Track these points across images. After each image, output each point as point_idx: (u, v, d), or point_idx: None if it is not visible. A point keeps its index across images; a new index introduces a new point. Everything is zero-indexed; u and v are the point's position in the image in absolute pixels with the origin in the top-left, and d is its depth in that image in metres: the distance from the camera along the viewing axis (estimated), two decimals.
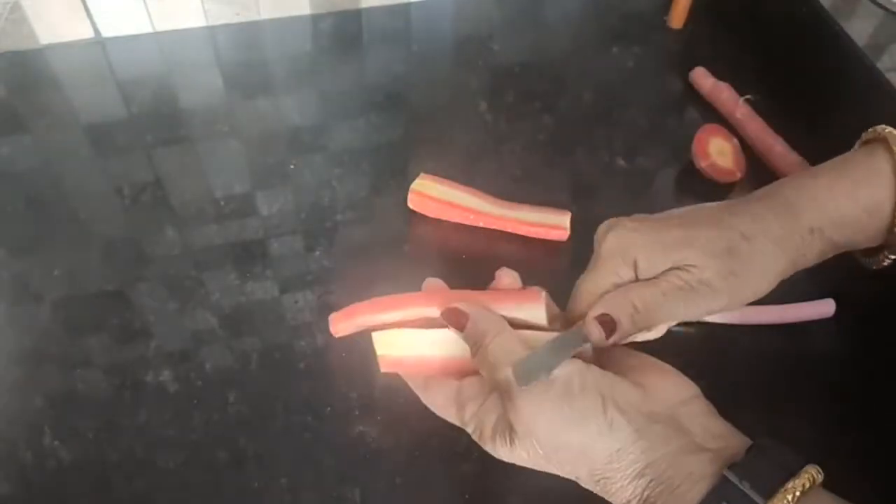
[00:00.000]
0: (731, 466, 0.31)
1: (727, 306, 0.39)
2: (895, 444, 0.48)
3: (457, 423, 0.39)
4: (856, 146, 0.43)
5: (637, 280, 0.39)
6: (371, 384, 0.50)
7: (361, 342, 0.53)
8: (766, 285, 0.40)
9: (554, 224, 0.58)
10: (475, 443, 0.47)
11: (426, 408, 0.48)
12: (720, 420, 0.35)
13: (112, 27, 0.71)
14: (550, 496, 0.38)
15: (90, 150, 0.64)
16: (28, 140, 0.64)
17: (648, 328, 0.39)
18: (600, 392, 0.34)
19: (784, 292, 0.54)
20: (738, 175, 0.61)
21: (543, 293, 0.41)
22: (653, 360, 0.39)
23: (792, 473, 0.31)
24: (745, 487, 0.30)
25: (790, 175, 0.43)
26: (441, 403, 0.40)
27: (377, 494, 0.46)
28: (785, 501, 0.30)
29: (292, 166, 0.63)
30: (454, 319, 0.38)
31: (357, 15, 0.76)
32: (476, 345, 0.37)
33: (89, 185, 0.61)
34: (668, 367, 0.38)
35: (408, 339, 0.40)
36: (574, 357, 0.36)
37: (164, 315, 0.53)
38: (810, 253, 0.41)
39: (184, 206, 0.60)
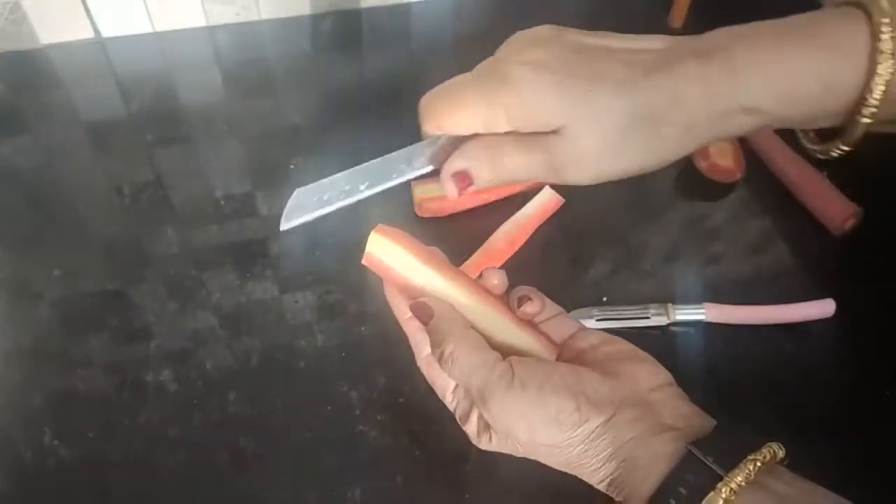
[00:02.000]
0: (696, 442, 0.32)
1: (581, 183, 0.37)
2: (894, 443, 0.48)
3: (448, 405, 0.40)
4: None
5: (505, 118, 0.36)
6: (371, 384, 0.50)
7: (361, 342, 0.53)
8: (642, 171, 0.36)
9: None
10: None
11: (426, 408, 0.48)
12: (689, 404, 0.36)
13: (112, 27, 0.71)
14: (551, 496, 0.38)
15: (90, 150, 0.64)
16: (28, 140, 0.64)
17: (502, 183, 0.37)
18: (571, 390, 0.35)
19: (784, 292, 0.54)
20: (738, 175, 0.61)
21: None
22: (629, 347, 0.39)
23: (753, 448, 0.31)
24: (709, 461, 0.31)
25: (742, 27, 0.37)
26: (440, 387, 0.40)
27: (377, 494, 0.46)
28: (745, 472, 0.30)
29: (292, 166, 0.63)
30: (420, 313, 0.38)
31: (357, 15, 0.76)
32: (436, 353, 0.37)
33: (89, 185, 0.61)
34: (643, 354, 0.38)
35: (402, 260, 0.40)
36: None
37: (164, 315, 0.53)
38: (738, 131, 0.36)
39: (184, 206, 0.60)
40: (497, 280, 0.41)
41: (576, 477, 0.36)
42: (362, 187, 0.37)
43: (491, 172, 0.37)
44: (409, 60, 0.73)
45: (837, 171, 0.59)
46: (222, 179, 0.62)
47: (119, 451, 0.47)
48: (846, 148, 0.36)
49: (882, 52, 0.32)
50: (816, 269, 0.58)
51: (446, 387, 0.40)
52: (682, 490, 0.31)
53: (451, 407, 0.40)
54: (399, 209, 0.59)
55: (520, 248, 0.57)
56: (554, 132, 0.35)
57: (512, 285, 0.45)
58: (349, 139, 0.65)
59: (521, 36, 0.38)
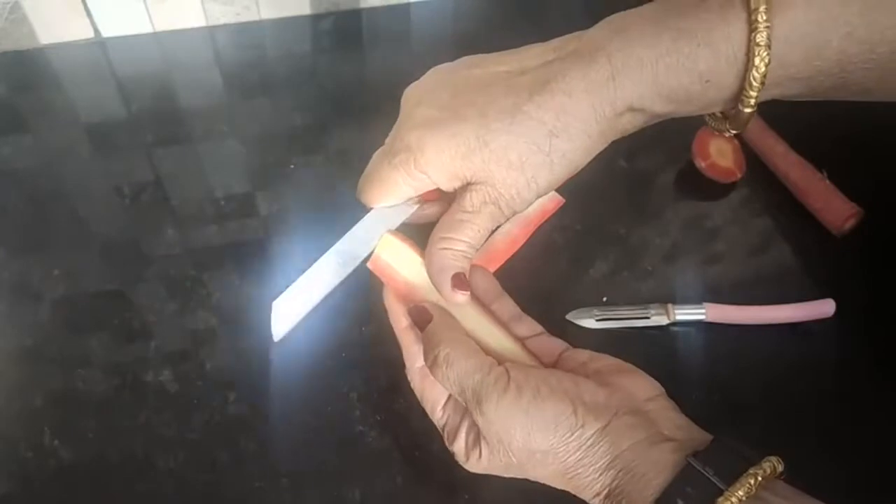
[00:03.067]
0: (695, 454, 0.32)
1: (529, 205, 0.38)
2: (895, 444, 0.48)
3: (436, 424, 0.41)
4: None
5: (430, 181, 0.38)
6: (371, 384, 0.50)
7: (361, 342, 0.53)
8: (570, 175, 0.38)
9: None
10: None
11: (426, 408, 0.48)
12: (683, 416, 0.36)
13: (112, 27, 0.71)
14: (551, 498, 0.38)
15: (90, 150, 0.64)
16: (28, 140, 0.64)
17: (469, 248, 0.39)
18: (568, 394, 0.35)
19: (784, 292, 0.54)
20: (738, 175, 0.61)
21: None
22: (618, 362, 0.39)
23: (753, 462, 0.31)
24: (709, 473, 0.31)
25: (626, 17, 0.36)
26: (429, 404, 0.41)
27: (377, 494, 0.46)
28: (747, 486, 0.30)
29: (292, 166, 0.63)
30: (418, 317, 0.39)
31: (357, 15, 0.76)
32: (429, 359, 0.37)
33: (89, 185, 0.61)
34: (632, 367, 0.38)
35: (411, 262, 0.40)
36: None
37: (164, 315, 0.53)
38: (627, 129, 0.37)
39: (184, 206, 0.60)
40: (483, 282, 0.42)
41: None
42: (336, 275, 0.39)
43: (465, 257, 0.38)
44: (409, 60, 0.73)
45: (837, 171, 0.59)
46: (222, 179, 0.62)
47: (119, 451, 0.47)
48: (736, 131, 0.37)
49: (758, 44, 0.32)
50: (816, 269, 0.58)
51: (436, 401, 0.40)
52: (681, 502, 0.31)
53: (439, 423, 0.40)
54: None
55: (520, 248, 0.57)
56: (473, 187, 0.37)
57: (512, 285, 0.45)
58: (349, 139, 0.65)
59: (409, 93, 0.40)
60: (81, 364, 0.51)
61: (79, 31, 0.70)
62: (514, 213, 0.38)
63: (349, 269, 0.39)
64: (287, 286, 0.42)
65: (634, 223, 0.60)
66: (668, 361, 0.52)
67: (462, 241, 0.38)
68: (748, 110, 0.35)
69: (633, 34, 0.35)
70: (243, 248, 0.57)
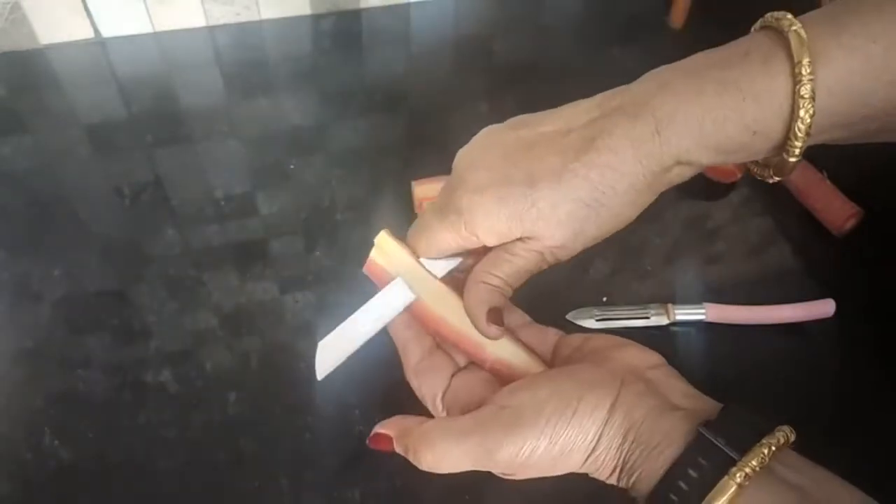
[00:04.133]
0: (706, 424, 0.32)
1: (574, 254, 0.39)
2: (895, 444, 0.48)
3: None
4: (753, 31, 0.38)
5: (479, 241, 0.38)
6: (371, 384, 0.50)
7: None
8: (619, 228, 0.38)
9: None
10: None
11: (426, 408, 0.48)
12: (688, 384, 0.36)
13: (112, 27, 0.71)
14: (552, 497, 0.38)
15: (90, 151, 0.64)
16: (28, 140, 0.64)
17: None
18: (574, 379, 0.35)
19: (784, 292, 0.54)
20: (738, 175, 0.61)
21: None
22: (613, 337, 0.39)
23: (765, 432, 0.31)
24: (721, 443, 0.31)
25: (669, 71, 0.37)
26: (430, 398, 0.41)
27: (377, 494, 0.46)
28: (760, 456, 0.30)
29: (292, 166, 0.63)
30: (378, 444, 0.40)
31: (357, 15, 0.76)
32: (414, 459, 0.38)
33: (89, 185, 0.61)
34: (627, 340, 0.38)
35: (405, 264, 0.41)
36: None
37: (164, 315, 0.53)
38: (674, 181, 0.37)
39: (184, 206, 0.60)
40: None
41: (579, 479, 0.35)
42: (378, 321, 0.40)
43: (502, 294, 0.39)
44: (409, 60, 0.73)
45: (837, 171, 0.59)
46: (222, 179, 0.62)
47: (119, 451, 0.47)
48: (779, 178, 0.37)
49: (803, 96, 0.32)
50: (816, 269, 0.58)
51: (435, 394, 0.40)
52: (693, 473, 0.30)
53: (441, 415, 0.40)
54: (399, 209, 0.59)
55: None
56: (521, 240, 0.38)
57: None
58: (349, 139, 0.65)
59: (462, 155, 0.40)
60: (81, 364, 0.51)
61: (79, 31, 0.70)
62: (559, 261, 0.39)
63: (392, 315, 0.40)
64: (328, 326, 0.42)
65: (634, 223, 0.60)
66: (668, 361, 0.52)
67: (501, 279, 0.38)
68: (793, 159, 0.35)
69: (677, 88, 0.35)
70: (243, 248, 0.57)
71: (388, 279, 0.41)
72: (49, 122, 0.65)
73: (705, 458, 0.30)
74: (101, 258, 0.57)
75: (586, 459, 0.34)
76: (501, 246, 0.39)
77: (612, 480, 0.34)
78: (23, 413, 0.49)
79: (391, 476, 0.47)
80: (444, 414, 0.40)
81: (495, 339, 0.39)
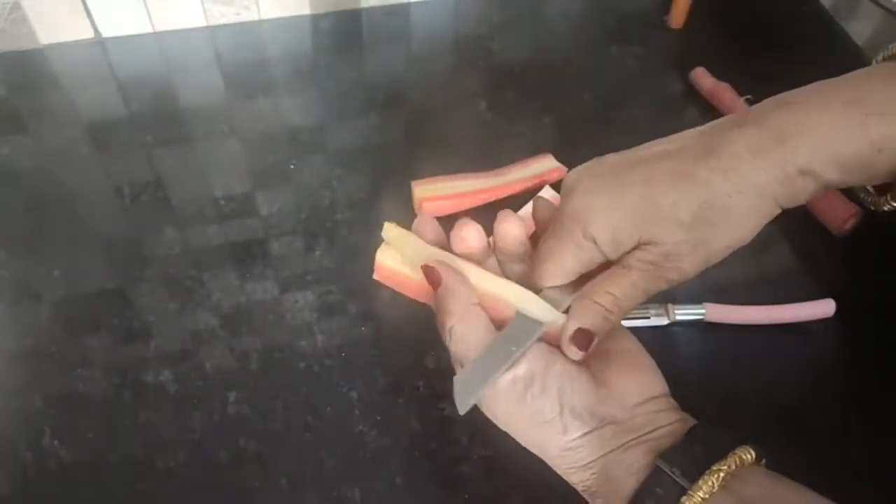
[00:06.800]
0: (664, 454, 0.33)
1: (696, 273, 0.37)
2: (895, 444, 0.48)
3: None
4: (875, 62, 0.37)
5: (598, 250, 0.37)
6: (371, 384, 0.50)
7: (361, 342, 0.53)
8: (742, 242, 0.36)
9: (550, 169, 0.60)
10: (475, 443, 0.48)
11: (426, 408, 0.48)
12: (674, 412, 0.36)
13: (112, 27, 0.71)
14: (552, 497, 0.38)
15: (90, 150, 0.64)
16: (28, 140, 0.64)
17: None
18: (560, 396, 0.35)
19: (784, 292, 0.54)
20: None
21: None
22: (632, 346, 0.38)
23: (722, 455, 0.32)
24: (676, 474, 0.31)
25: (787, 94, 0.36)
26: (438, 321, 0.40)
27: (377, 494, 0.46)
28: (710, 483, 0.31)
29: (292, 166, 0.63)
30: (430, 277, 0.38)
31: (357, 15, 0.76)
32: (440, 315, 0.38)
33: (89, 185, 0.61)
34: (643, 359, 0.38)
35: (414, 254, 0.40)
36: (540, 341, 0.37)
37: (164, 315, 0.53)
38: (799, 196, 0.36)
39: (184, 206, 0.60)
40: (475, 234, 0.40)
41: None
42: (512, 351, 0.37)
43: (606, 318, 0.37)
44: (409, 60, 0.73)
45: None
46: (222, 179, 0.62)
47: (119, 451, 0.47)
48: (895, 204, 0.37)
49: None
50: (816, 269, 0.58)
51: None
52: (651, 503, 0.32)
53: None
54: (399, 209, 0.59)
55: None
56: (639, 248, 0.36)
57: None
58: (349, 139, 0.65)
59: (569, 177, 0.39)
60: (81, 364, 0.51)
61: (79, 31, 0.70)
62: (674, 282, 0.37)
63: (526, 345, 0.37)
64: None
65: None
66: (668, 361, 0.52)
67: (612, 296, 0.36)
68: None
69: (800, 106, 0.35)
70: (243, 248, 0.57)
71: (400, 279, 0.41)
72: (49, 121, 0.65)
73: (662, 488, 0.32)
74: (101, 258, 0.57)
75: (549, 460, 0.36)
76: (618, 261, 0.37)
77: (580, 491, 0.36)
78: (23, 413, 0.49)
79: (391, 476, 0.47)
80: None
81: (573, 358, 0.36)
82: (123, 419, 0.49)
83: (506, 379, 0.35)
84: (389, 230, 0.40)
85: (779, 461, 0.33)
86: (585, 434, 0.35)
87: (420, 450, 0.48)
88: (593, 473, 0.34)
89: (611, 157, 0.38)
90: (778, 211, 0.36)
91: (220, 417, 0.49)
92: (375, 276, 0.41)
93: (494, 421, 0.37)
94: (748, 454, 0.32)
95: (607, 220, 0.36)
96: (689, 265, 0.36)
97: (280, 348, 0.52)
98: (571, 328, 0.36)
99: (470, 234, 0.40)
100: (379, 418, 0.49)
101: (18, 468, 0.46)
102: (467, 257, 0.40)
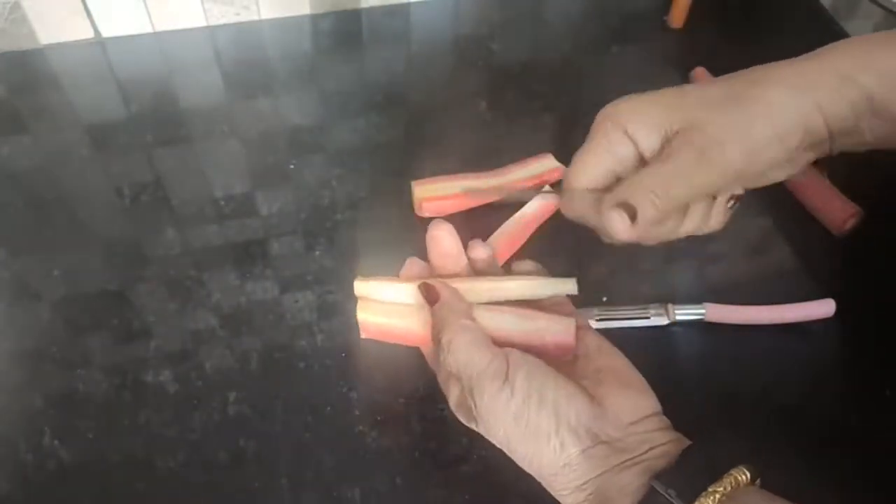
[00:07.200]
0: (658, 475, 0.32)
1: (746, 165, 0.36)
2: (894, 444, 0.48)
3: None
4: None
5: (638, 155, 0.37)
6: (371, 384, 0.50)
7: (361, 342, 0.53)
8: (787, 136, 0.35)
9: (550, 169, 0.60)
10: (475, 443, 0.47)
11: (426, 408, 0.48)
12: (668, 432, 0.36)
13: (112, 27, 0.71)
14: (551, 497, 0.38)
15: (90, 151, 0.64)
16: (28, 140, 0.64)
17: (670, 212, 0.37)
18: (556, 411, 0.35)
19: (784, 292, 0.54)
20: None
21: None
22: (622, 365, 0.38)
23: (718, 476, 0.31)
24: (671, 496, 0.31)
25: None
26: (430, 358, 0.42)
27: (377, 494, 0.46)
28: None
29: (292, 166, 0.63)
30: (428, 294, 0.39)
31: (357, 15, 0.76)
32: (437, 331, 0.38)
33: (89, 185, 0.61)
34: (634, 378, 0.38)
35: (395, 304, 0.41)
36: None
37: (164, 315, 0.53)
38: (841, 101, 0.35)
39: (184, 206, 0.60)
40: (482, 252, 0.42)
41: None
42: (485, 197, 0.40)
43: (652, 205, 0.36)
44: (409, 60, 0.73)
45: (837, 171, 0.59)
46: (222, 179, 0.62)
47: (119, 451, 0.47)
48: None
49: None
50: (816, 269, 0.58)
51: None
52: None
53: (440, 377, 0.40)
54: (399, 209, 0.59)
55: (520, 248, 0.57)
56: (679, 133, 0.36)
57: None
58: (349, 139, 0.65)
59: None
60: (81, 364, 0.51)
61: (79, 31, 0.70)
62: (720, 175, 0.36)
63: (499, 197, 0.39)
64: None
65: None
66: (668, 361, 0.52)
67: (659, 177, 0.36)
68: None
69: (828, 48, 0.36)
70: (243, 248, 0.57)
71: (388, 329, 0.41)
72: (49, 122, 0.65)
73: None
74: (101, 258, 0.57)
75: (542, 478, 0.36)
76: (657, 156, 0.36)
77: None
78: (23, 413, 0.49)
79: (391, 476, 0.47)
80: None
81: (617, 227, 0.36)
82: (123, 419, 0.49)
83: (505, 392, 0.35)
84: (360, 287, 0.41)
85: (779, 461, 0.33)
86: (581, 452, 0.34)
87: (420, 450, 0.48)
88: (589, 494, 0.34)
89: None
90: (820, 121, 0.35)
91: (220, 417, 0.49)
92: (363, 336, 0.41)
93: (494, 440, 0.37)
94: (743, 475, 0.32)
95: (642, 111, 0.36)
96: (732, 152, 0.35)
97: (280, 348, 0.52)
98: (615, 199, 0.36)
99: (441, 234, 0.41)
100: (379, 418, 0.49)
101: (18, 468, 0.46)
102: (443, 260, 0.41)
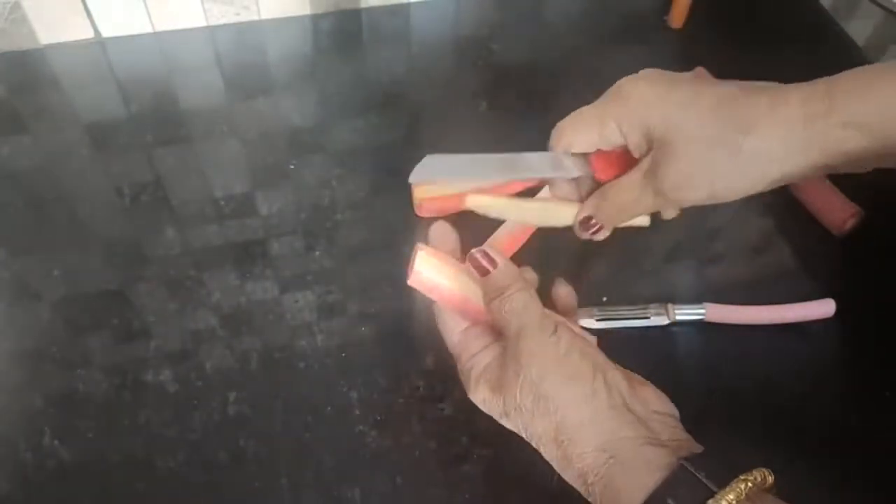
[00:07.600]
0: (688, 458, 0.33)
1: (710, 201, 0.40)
2: (894, 444, 0.48)
3: (454, 353, 0.42)
4: None
5: (625, 145, 0.41)
6: (371, 384, 0.50)
7: (361, 342, 0.53)
8: (769, 184, 0.38)
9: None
10: (475, 443, 0.47)
11: (426, 408, 0.48)
12: (687, 434, 0.37)
13: (112, 27, 0.71)
14: (551, 498, 0.38)
15: (90, 151, 0.64)
16: (28, 140, 0.64)
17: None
18: (595, 364, 0.37)
19: (784, 292, 0.54)
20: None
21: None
22: (641, 379, 0.40)
23: (744, 471, 0.32)
24: (701, 476, 0.32)
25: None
26: (449, 329, 0.42)
27: (377, 494, 0.46)
28: (737, 491, 0.31)
29: (292, 166, 0.63)
30: (480, 265, 0.40)
31: (357, 15, 0.76)
32: (494, 293, 0.39)
33: (89, 185, 0.61)
34: (655, 388, 0.40)
35: (453, 274, 0.42)
36: None
37: (164, 315, 0.53)
38: (843, 146, 0.36)
39: (184, 206, 0.60)
40: (564, 292, 0.46)
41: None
42: (485, 173, 0.43)
43: (609, 218, 0.44)
44: (409, 60, 0.73)
45: None
46: (222, 179, 0.62)
47: (119, 451, 0.47)
48: None
49: None
50: (816, 269, 0.58)
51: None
52: (672, 503, 0.32)
53: (466, 355, 0.41)
54: (399, 209, 0.59)
55: (520, 248, 0.57)
56: (656, 158, 0.39)
57: None
58: (349, 139, 0.65)
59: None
60: (81, 364, 0.51)
61: (79, 31, 0.70)
62: (678, 205, 0.41)
63: (505, 178, 0.43)
64: None
65: None
66: (668, 361, 0.52)
67: (624, 215, 0.43)
68: None
69: (855, 72, 0.37)
70: (243, 248, 0.57)
71: (438, 288, 0.42)
72: (49, 122, 0.65)
73: (685, 489, 0.32)
74: (101, 258, 0.57)
75: (561, 434, 0.36)
76: (640, 165, 0.41)
77: (580, 485, 0.35)
78: (23, 413, 0.49)
79: (391, 476, 0.47)
80: (455, 347, 0.42)
81: (581, 235, 0.44)
82: (123, 419, 0.49)
83: (552, 338, 0.37)
84: (424, 260, 0.42)
85: (779, 461, 0.33)
86: (611, 407, 0.35)
87: (420, 450, 0.48)
88: (610, 458, 0.34)
89: (667, 76, 0.43)
90: (812, 170, 0.37)
91: (220, 417, 0.49)
92: (410, 283, 0.42)
93: (527, 374, 0.37)
94: (770, 475, 0.32)
95: (640, 105, 0.39)
96: (699, 192, 0.39)
97: (280, 348, 0.52)
98: (584, 214, 0.45)
99: (442, 234, 0.44)
100: (379, 418, 0.49)
101: (18, 468, 0.46)
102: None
